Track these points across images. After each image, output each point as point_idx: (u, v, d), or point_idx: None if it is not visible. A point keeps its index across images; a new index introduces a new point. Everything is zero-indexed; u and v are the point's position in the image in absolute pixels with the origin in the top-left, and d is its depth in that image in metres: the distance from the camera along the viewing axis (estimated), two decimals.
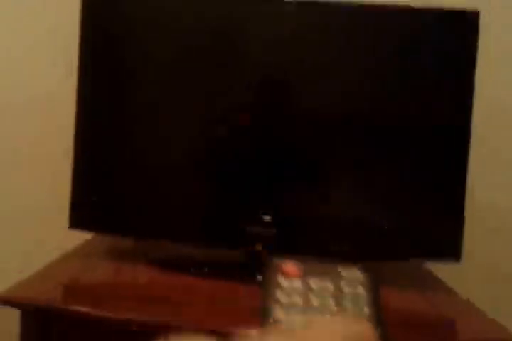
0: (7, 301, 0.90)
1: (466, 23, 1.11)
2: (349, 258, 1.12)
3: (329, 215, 1.11)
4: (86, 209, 1.13)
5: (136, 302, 0.95)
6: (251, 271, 1.09)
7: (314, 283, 0.49)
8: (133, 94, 1.12)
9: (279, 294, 0.48)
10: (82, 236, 1.19)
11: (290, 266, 0.51)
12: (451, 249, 1.11)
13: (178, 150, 1.12)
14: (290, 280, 0.49)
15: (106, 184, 1.13)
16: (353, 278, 0.50)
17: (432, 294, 1.12)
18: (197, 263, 1.14)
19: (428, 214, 1.11)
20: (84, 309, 0.90)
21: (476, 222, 1.17)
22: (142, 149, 1.12)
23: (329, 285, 0.49)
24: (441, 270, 1.21)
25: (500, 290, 1.37)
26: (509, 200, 1.38)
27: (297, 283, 0.49)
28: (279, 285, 0.49)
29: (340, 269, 0.51)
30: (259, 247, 1.10)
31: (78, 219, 1.12)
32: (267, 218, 1.10)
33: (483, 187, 1.29)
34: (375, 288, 0.50)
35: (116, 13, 1.12)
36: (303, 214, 1.11)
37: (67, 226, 1.11)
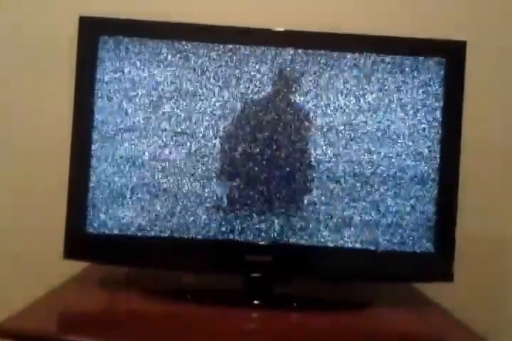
0: (2, 332, 0.90)
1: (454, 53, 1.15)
2: (344, 281, 1.17)
3: (323, 242, 1.12)
4: (80, 240, 1.13)
5: (132, 331, 0.95)
6: (248, 296, 1.10)
7: None
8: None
9: None
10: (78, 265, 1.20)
11: None
12: (443, 270, 1.13)
13: (173, 180, 1.13)
14: None
15: (100, 215, 1.13)
16: None
17: (424, 314, 1.13)
18: (193, 290, 1.14)
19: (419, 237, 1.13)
20: (79, 339, 0.90)
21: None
22: (137, 179, 1.13)
23: None
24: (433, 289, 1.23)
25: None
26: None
27: None
28: None
29: None
30: (256, 274, 1.12)
31: (72, 249, 1.12)
32: (264, 246, 1.12)
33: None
34: None
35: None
36: (298, 242, 1.12)
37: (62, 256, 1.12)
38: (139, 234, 1.12)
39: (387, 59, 1.13)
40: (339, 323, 1.04)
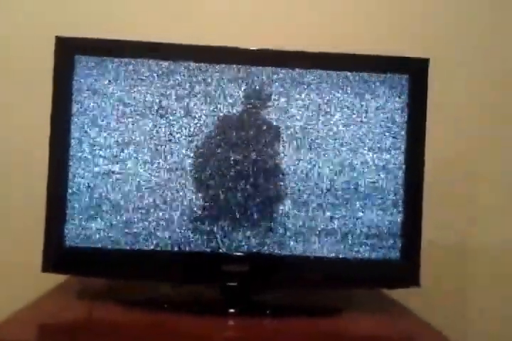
0: None
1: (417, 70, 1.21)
2: (317, 288, 1.21)
3: (295, 251, 1.17)
4: (58, 254, 1.16)
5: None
6: (225, 305, 1.14)
7: None
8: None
9: None
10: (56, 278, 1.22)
11: None
12: (410, 275, 1.18)
13: (148, 194, 1.16)
14: None
15: (77, 229, 1.15)
16: None
17: (394, 318, 1.19)
18: (171, 301, 1.17)
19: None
20: None
21: None
22: (113, 193, 1.16)
23: None
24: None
25: None
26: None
27: None
28: None
29: None
30: (233, 283, 1.15)
31: (51, 263, 1.14)
32: (240, 256, 1.16)
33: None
34: None
35: None
36: (272, 252, 1.17)
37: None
38: (116, 246, 1.15)
39: (353, 75, 1.19)
40: (314, 329, 1.08)
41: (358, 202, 1.18)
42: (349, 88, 1.19)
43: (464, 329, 1.45)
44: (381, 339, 1.08)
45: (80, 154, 1.15)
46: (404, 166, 1.19)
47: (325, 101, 1.18)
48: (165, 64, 1.16)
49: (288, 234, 1.17)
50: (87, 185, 1.16)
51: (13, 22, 1.46)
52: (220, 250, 1.16)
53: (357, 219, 1.18)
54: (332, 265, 1.18)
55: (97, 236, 1.15)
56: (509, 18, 1.53)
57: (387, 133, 1.19)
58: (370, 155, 1.19)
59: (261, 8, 1.50)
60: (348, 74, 1.19)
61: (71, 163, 1.15)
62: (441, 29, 1.51)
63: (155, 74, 1.16)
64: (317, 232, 1.18)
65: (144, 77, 1.16)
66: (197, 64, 1.17)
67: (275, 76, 1.18)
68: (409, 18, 1.51)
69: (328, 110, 1.18)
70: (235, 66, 1.17)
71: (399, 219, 1.19)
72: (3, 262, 1.42)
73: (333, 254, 1.17)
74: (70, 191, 1.15)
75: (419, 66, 1.21)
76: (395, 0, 1.53)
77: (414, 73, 1.20)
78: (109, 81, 1.16)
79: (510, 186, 1.53)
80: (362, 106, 1.19)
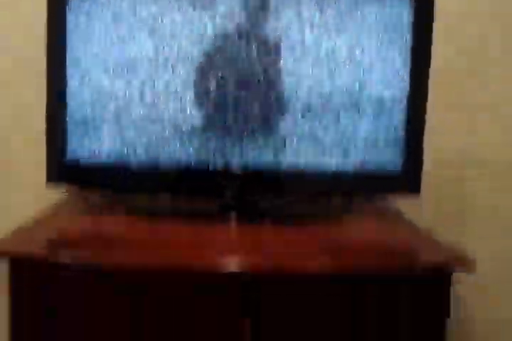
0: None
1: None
2: (320, 196, 1.22)
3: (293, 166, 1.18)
4: (60, 167, 1.16)
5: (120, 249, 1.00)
6: (225, 212, 1.18)
7: None
8: None
9: None
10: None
11: None
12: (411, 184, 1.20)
13: (148, 109, 1.15)
14: None
15: (78, 144, 1.16)
16: None
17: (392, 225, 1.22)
18: (170, 211, 1.21)
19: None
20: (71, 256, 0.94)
21: None
22: (113, 109, 1.15)
23: None
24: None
25: None
26: None
27: None
28: None
29: None
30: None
31: (53, 175, 1.16)
32: (240, 167, 1.16)
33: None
34: None
35: None
36: (272, 163, 1.17)
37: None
38: (116, 160, 1.16)
39: None
40: (312, 233, 1.11)
41: (358, 114, 1.16)
42: None
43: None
44: (378, 243, 1.11)
45: (78, 70, 1.14)
46: (408, 75, 1.16)
47: (326, 11, 1.14)
48: None
49: (288, 146, 1.17)
50: (84, 102, 1.14)
51: None
52: (220, 162, 1.16)
53: (359, 130, 1.17)
54: (334, 176, 1.18)
55: (97, 149, 1.16)
56: None
57: (392, 43, 1.15)
58: (374, 66, 1.16)
59: None
60: None
61: (69, 79, 1.14)
62: None
63: None
64: (318, 144, 1.17)
65: None
66: None
67: None
68: None
69: (328, 21, 1.14)
70: None
71: (401, 129, 1.18)
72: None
73: (335, 166, 1.17)
74: (68, 107, 1.14)
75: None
76: None
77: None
78: None
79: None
80: (364, 15, 1.15)
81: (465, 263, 0.96)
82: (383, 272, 0.95)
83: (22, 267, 0.93)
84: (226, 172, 1.16)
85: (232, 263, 0.95)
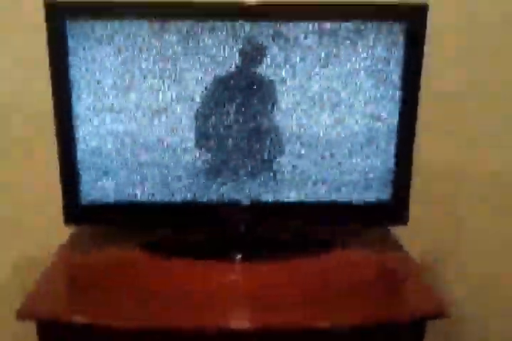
0: (26, 316, 1.05)
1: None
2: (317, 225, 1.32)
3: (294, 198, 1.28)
4: (76, 209, 1.27)
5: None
6: (229, 248, 1.30)
7: None
8: None
9: None
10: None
11: None
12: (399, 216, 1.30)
13: (154, 152, 1.23)
14: None
15: (90, 186, 1.25)
16: None
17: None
18: (179, 246, 1.33)
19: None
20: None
21: None
22: (122, 152, 1.23)
23: None
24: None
25: None
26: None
27: None
28: None
29: None
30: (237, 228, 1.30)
31: (70, 216, 1.27)
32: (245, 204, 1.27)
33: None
34: None
35: None
36: (272, 198, 1.28)
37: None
38: (127, 199, 1.26)
39: (349, 25, 1.17)
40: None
41: (351, 151, 1.25)
42: (345, 38, 1.17)
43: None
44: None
45: (84, 116, 1.20)
46: (397, 117, 1.23)
47: (319, 53, 1.18)
48: (157, 23, 1.15)
49: (285, 182, 1.26)
50: (94, 146, 1.22)
51: None
52: (224, 199, 1.27)
53: (352, 165, 1.26)
54: (330, 207, 1.29)
55: (109, 190, 1.25)
56: None
57: (382, 82, 1.21)
58: (365, 105, 1.22)
59: None
60: (344, 23, 1.17)
61: (77, 124, 1.21)
62: None
63: (147, 35, 1.16)
64: (316, 180, 1.26)
65: (137, 38, 1.16)
66: (189, 21, 1.15)
67: (267, 29, 1.16)
68: None
69: (322, 62, 1.19)
70: (227, 22, 1.15)
71: (390, 166, 1.26)
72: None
73: (331, 198, 1.28)
74: (79, 152, 1.23)
75: (418, 12, 1.18)
76: None
77: (410, 21, 1.18)
78: (104, 44, 1.16)
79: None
80: (356, 57, 1.19)
81: (443, 313, 1.08)
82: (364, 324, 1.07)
83: (49, 328, 1.06)
84: (229, 208, 1.27)
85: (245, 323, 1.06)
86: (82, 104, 1.19)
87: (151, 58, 1.17)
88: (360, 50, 1.18)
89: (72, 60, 1.17)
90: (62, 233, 1.36)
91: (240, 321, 1.07)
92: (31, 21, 1.26)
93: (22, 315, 1.04)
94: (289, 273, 1.22)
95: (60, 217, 1.25)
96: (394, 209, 1.30)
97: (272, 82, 1.20)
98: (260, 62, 1.19)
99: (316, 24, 1.16)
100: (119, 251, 1.30)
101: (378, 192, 1.28)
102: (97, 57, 1.17)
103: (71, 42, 1.16)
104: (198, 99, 1.20)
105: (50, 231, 1.39)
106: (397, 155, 1.26)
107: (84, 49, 1.16)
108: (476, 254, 1.61)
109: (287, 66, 1.19)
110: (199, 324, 1.03)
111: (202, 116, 1.21)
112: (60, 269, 1.25)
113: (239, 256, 1.27)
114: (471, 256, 1.62)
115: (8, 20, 1.37)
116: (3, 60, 1.40)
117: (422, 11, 1.18)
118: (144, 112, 1.20)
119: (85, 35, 1.15)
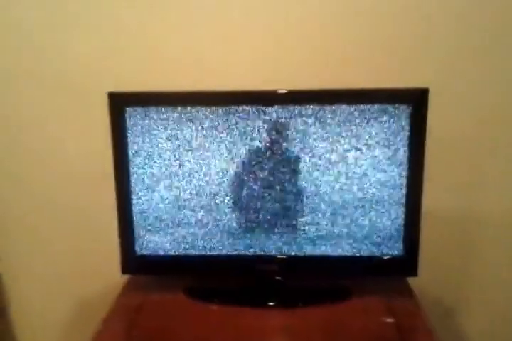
0: None
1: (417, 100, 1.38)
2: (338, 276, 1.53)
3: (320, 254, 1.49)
4: (131, 260, 1.51)
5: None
6: (263, 296, 1.50)
7: None
8: None
9: None
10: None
11: None
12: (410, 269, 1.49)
13: (198, 211, 1.47)
14: None
15: (144, 239, 1.50)
16: None
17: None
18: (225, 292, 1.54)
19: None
20: None
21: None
22: (171, 213, 1.47)
23: None
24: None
25: None
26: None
27: None
28: None
29: None
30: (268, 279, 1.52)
31: (126, 267, 1.51)
32: (270, 257, 1.49)
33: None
34: None
35: None
36: (297, 253, 1.49)
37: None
38: (176, 252, 1.50)
39: (359, 108, 1.38)
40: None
41: (365, 211, 1.45)
42: (356, 119, 1.39)
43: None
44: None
45: (140, 185, 1.46)
46: (405, 184, 1.43)
47: (336, 133, 1.40)
48: (198, 109, 1.40)
49: (307, 238, 1.48)
50: (149, 206, 1.48)
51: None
52: (254, 253, 1.49)
53: (366, 223, 1.46)
54: (346, 260, 1.49)
55: (160, 245, 1.50)
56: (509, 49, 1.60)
57: (390, 159, 1.41)
58: (375, 175, 1.43)
59: (270, 55, 1.64)
60: (355, 107, 1.38)
61: (134, 191, 1.47)
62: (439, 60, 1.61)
63: (192, 117, 1.40)
64: (335, 235, 1.47)
65: (184, 122, 1.41)
66: (225, 107, 1.40)
67: (293, 113, 1.39)
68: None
69: (340, 138, 1.40)
70: (258, 106, 1.39)
71: (400, 224, 1.46)
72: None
73: (345, 252, 1.48)
74: (134, 213, 1.48)
75: (420, 96, 1.38)
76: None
77: (415, 103, 1.39)
78: (156, 127, 1.42)
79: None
80: (368, 135, 1.40)
81: None
82: None
83: None
84: (261, 261, 1.49)
85: None
86: (139, 173, 1.45)
87: (195, 135, 1.42)
88: (371, 128, 1.39)
89: (130, 136, 1.43)
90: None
91: None
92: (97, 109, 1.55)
93: None
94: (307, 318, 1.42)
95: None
96: (404, 263, 1.48)
97: (296, 154, 1.42)
98: (286, 139, 1.41)
99: (334, 107, 1.38)
100: (166, 295, 1.53)
101: (390, 249, 1.47)
102: (151, 136, 1.43)
103: (129, 123, 1.42)
104: (232, 170, 1.44)
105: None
106: (406, 216, 1.45)
107: (141, 128, 1.42)
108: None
109: (310, 141, 1.41)
110: None
111: (237, 184, 1.44)
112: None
113: (270, 303, 1.48)
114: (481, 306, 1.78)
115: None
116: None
117: (424, 94, 1.37)
118: (189, 181, 1.45)
119: (141, 118, 1.41)
